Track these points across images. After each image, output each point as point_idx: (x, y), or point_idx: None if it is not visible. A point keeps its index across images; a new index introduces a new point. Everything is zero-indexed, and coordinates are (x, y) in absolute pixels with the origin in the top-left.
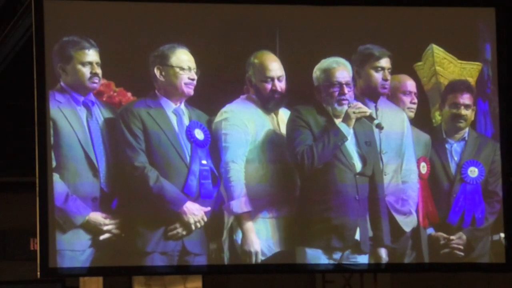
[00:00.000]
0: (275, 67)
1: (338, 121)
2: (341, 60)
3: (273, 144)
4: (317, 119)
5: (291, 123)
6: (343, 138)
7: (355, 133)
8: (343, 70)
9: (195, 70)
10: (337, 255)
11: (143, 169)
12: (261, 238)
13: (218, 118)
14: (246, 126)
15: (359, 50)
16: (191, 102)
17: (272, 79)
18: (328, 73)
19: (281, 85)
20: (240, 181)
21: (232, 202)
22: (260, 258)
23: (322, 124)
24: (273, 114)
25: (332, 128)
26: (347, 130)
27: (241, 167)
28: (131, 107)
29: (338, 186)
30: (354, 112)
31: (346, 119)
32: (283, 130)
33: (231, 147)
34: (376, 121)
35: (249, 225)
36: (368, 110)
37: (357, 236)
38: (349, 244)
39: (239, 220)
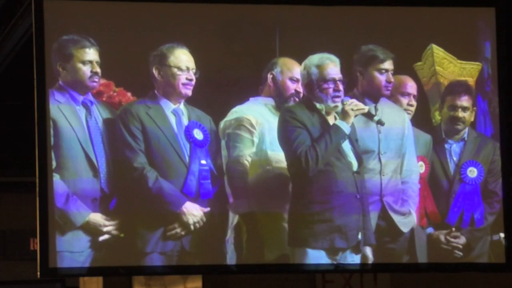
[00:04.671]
0: (299, 71)
1: (330, 118)
2: (332, 56)
3: (279, 146)
4: (310, 118)
5: (284, 123)
6: (344, 136)
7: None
8: (334, 67)
9: (194, 70)
10: (339, 256)
11: (142, 169)
12: (264, 237)
13: (228, 117)
14: (254, 128)
15: (362, 50)
16: (191, 102)
17: (298, 80)
18: (321, 69)
19: (301, 89)
20: (245, 181)
21: (237, 201)
22: (266, 256)
23: (317, 122)
24: None
25: (331, 126)
26: (347, 128)
27: (247, 167)
28: (130, 107)
29: (338, 186)
30: (352, 110)
31: (345, 116)
32: None
33: (239, 147)
34: (376, 118)
35: (253, 225)
36: (366, 107)
37: (360, 236)
38: (353, 244)
39: (244, 219)
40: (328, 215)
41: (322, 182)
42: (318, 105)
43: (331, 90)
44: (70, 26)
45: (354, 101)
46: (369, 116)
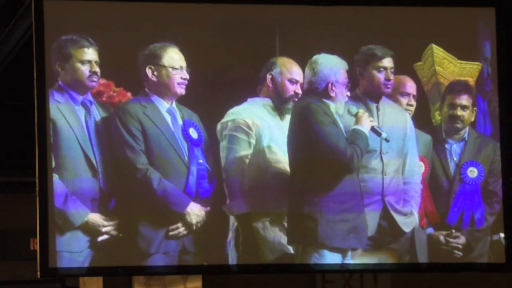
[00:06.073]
0: (299, 72)
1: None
2: (343, 61)
3: (278, 147)
4: (332, 115)
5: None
6: (368, 143)
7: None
8: (345, 71)
9: (186, 69)
10: (347, 256)
11: (145, 171)
12: (262, 237)
13: (225, 118)
14: (251, 129)
15: (361, 50)
16: (184, 101)
17: (297, 81)
18: (340, 72)
19: (300, 91)
20: (242, 182)
21: (232, 202)
22: (266, 256)
23: (341, 123)
24: (280, 118)
25: (359, 131)
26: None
27: (243, 169)
28: (127, 106)
29: (349, 186)
30: (371, 121)
31: (365, 124)
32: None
33: (235, 149)
34: (383, 135)
35: (249, 225)
36: (375, 121)
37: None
38: (364, 244)
39: (239, 220)
40: (346, 215)
41: (331, 182)
42: (329, 104)
43: (347, 94)
44: (69, 26)
45: (366, 112)
46: (376, 132)
